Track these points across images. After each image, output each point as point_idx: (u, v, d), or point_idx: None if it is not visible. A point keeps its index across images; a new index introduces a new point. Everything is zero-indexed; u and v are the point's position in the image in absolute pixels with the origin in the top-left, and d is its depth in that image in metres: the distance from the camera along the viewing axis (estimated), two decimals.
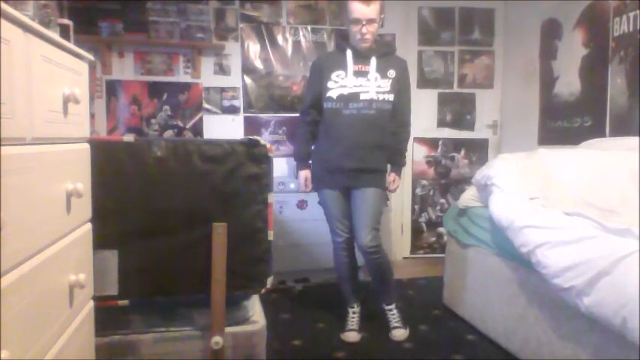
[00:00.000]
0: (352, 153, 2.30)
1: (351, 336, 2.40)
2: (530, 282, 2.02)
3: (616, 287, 1.49)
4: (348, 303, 2.54)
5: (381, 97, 2.29)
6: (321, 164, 2.42)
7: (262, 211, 1.74)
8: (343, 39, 2.39)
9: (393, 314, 2.47)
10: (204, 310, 1.70)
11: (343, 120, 2.30)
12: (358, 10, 2.19)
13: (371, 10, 2.19)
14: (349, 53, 2.32)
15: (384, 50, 2.37)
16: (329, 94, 2.31)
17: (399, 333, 2.40)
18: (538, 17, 3.43)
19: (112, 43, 3.37)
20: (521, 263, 2.02)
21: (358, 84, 2.29)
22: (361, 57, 2.31)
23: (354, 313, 2.50)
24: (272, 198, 1.76)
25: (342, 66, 2.31)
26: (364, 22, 2.20)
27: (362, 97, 2.28)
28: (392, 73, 2.32)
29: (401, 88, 2.36)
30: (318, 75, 2.36)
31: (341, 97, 2.30)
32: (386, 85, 2.30)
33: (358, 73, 2.30)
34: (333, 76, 2.31)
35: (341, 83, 2.30)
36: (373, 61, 2.30)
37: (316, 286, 3.24)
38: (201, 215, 1.66)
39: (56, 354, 1.06)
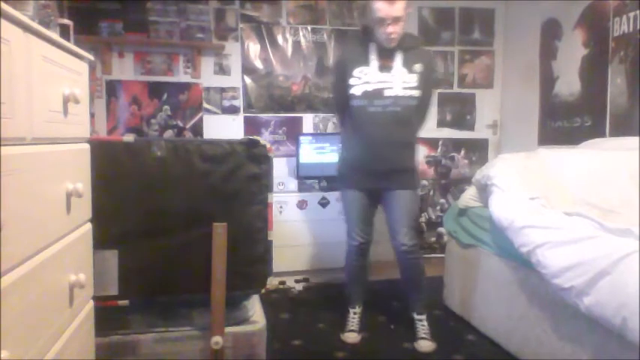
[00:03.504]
0: (381, 153, 2.23)
1: (351, 337, 2.38)
2: (530, 282, 2.02)
3: (616, 287, 1.49)
4: (350, 303, 2.51)
5: (407, 93, 2.20)
6: (347, 163, 2.36)
7: (262, 211, 1.74)
8: (366, 32, 2.28)
9: (423, 325, 2.37)
10: (204, 310, 1.70)
11: (368, 118, 2.22)
12: (383, 9, 2.11)
13: (396, 9, 2.10)
14: (373, 48, 2.23)
15: (409, 44, 2.26)
16: (352, 91, 2.23)
17: (426, 345, 2.28)
18: (538, 17, 3.43)
19: (112, 43, 3.37)
20: (521, 263, 2.02)
21: (382, 80, 2.20)
22: (386, 51, 2.21)
23: (354, 314, 2.48)
24: (272, 198, 1.76)
25: (366, 61, 2.23)
26: (389, 22, 2.12)
27: (386, 93, 2.20)
28: (418, 67, 2.22)
29: (426, 82, 2.26)
30: (343, 72, 2.28)
31: (366, 94, 2.21)
32: (412, 80, 2.21)
33: (382, 69, 2.21)
34: (356, 72, 2.22)
35: (364, 79, 2.21)
36: (398, 55, 2.21)
37: (316, 286, 3.24)
38: (201, 215, 1.66)
39: (56, 354, 1.06)
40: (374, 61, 2.22)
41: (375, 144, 2.23)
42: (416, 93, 2.23)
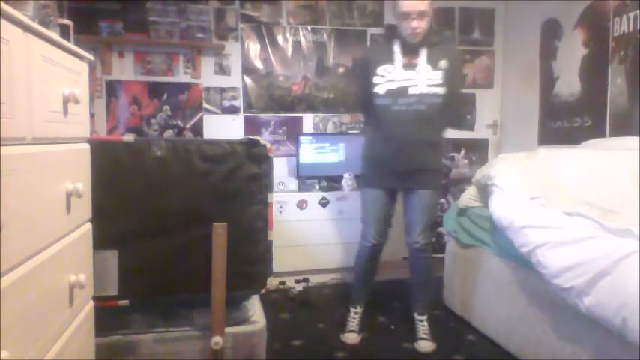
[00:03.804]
0: (404, 152, 2.20)
1: (351, 337, 2.37)
2: (530, 282, 2.02)
3: (616, 287, 1.49)
4: (352, 302, 2.49)
5: (432, 90, 2.16)
6: (369, 162, 2.34)
7: (262, 211, 1.74)
8: (391, 29, 2.26)
9: (424, 325, 2.38)
10: (204, 310, 1.70)
11: (392, 117, 2.19)
12: (408, 3, 2.09)
13: (421, 3, 2.09)
14: (397, 45, 2.21)
15: (434, 40, 2.23)
16: (376, 89, 2.21)
17: (426, 345, 2.29)
18: (538, 17, 3.43)
19: (112, 43, 3.36)
20: (521, 263, 2.02)
21: (407, 77, 2.17)
22: (410, 48, 2.18)
23: (355, 313, 2.46)
24: (272, 198, 1.76)
25: (390, 59, 2.20)
26: (414, 16, 2.09)
27: (411, 91, 2.16)
28: (443, 63, 2.18)
29: (452, 80, 2.21)
30: (366, 71, 2.26)
31: (389, 93, 2.18)
32: (437, 77, 2.17)
33: (407, 66, 2.18)
34: (380, 70, 2.20)
35: (388, 77, 2.19)
36: (423, 52, 2.18)
37: (316, 286, 3.24)
38: (201, 215, 1.66)
39: (56, 354, 1.06)
40: (398, 59, 2.19)
41: (398, 143, 2.20)
42: (441, 90, 2.17)
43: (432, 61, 2.18)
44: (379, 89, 2.20)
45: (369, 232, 2.32)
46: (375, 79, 2.21)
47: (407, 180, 2.24)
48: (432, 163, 2.27)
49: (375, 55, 2.29)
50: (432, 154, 2.27)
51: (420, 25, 2.12)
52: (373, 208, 2.31)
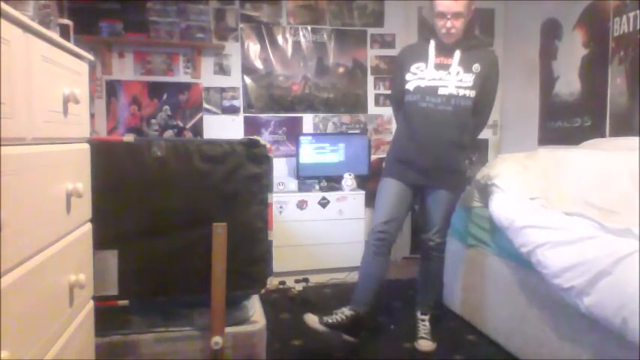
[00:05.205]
0: (425, 150, 2.20)
1: (312, 320, 2.15)
2: (530, 282, 2.02)
3: (616, 287, 1.49)
4: (350, 302, 2.27)
5: (461, 92, 2.15)
6: (394, 153, 2.35)
7: (262, 211, 1.74)
8: (429, 29, 2.26)
9: (425, 325, 2.36)
10: (204, 310, 1.70)
11: (419, 113, 2.20)
12: (443, 3, 2.07)
13: (457, 3, 2.06)
14: (432, 45, 2.21)
15: (470, 43, 2.22)
16: (407, 86, 2.23)
17: (426, 344, 2.28)
18: (538, 17, 3.43)
19: (112, 43, 3.36)
20: (521, 263, 2.02)
21: (438, 77, 2.17)
22: (445, 49, 2.18)
23: (342, 313, 2.20)
24: (272, 198, 1.76)
25: (423, 58, 2.21)
26: (449, 16, 2.08)
27: (440, 91, 2.16)
28: (477, 67, 2.16)
29: (485, 84, 2.19)
30: (400, 68, 2.29)
31: (418, 90, 2.20)
32: (468, 79, 2.15)
33: (439, 66, 2.18)
34: (413, 68, 2.22)
35: (419, 75, 2.20)
36: (457, 53, 2.17)
37: (316, 286, 3.24)
38: (201, 215, 1.66)
39: (56, 354, 1.06)
40: (431, 59, 2.20)
41: (421, 139, 2.21)
42: (470, 93, 2.16)
43: (465, 64, 2.16)
44: (409, 86, 2.22)
45: (376, 219, 2.25)
46: (407, 77, 2.23)
47: (426, 177, 2.23)
48: (452, 164, 2.24)
49: (411, 53, 2.31)
50: (454, 156, 2.24)
51: (455, 26, 2.10)
52: (385, 197, 2.27)
